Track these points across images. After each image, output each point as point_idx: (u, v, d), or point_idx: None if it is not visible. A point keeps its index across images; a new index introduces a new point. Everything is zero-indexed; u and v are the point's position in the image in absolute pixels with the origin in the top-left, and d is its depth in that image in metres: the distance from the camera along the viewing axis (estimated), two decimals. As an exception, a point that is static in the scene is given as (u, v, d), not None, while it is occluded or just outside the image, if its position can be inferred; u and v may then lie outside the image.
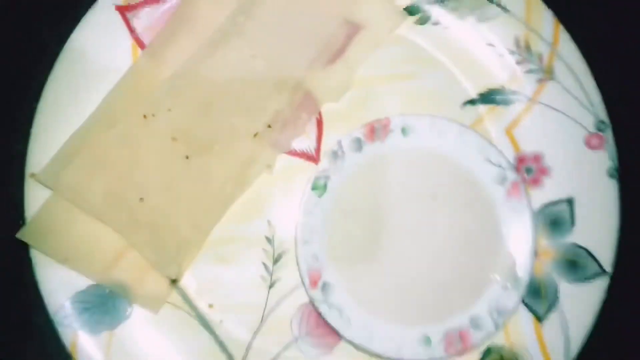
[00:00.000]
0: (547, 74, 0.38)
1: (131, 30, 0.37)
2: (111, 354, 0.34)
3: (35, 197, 0.35)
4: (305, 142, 0.38)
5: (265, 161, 0.37)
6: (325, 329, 0.36)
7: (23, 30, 0.39)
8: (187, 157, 0.36)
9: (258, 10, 0.38)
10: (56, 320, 0.34)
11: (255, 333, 0.36)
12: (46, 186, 0.35)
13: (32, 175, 0.35)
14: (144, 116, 0.36)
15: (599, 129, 0.37)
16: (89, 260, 0.35)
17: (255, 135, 0.37)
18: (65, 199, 0.35)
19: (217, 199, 0.37)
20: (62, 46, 0.36)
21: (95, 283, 0.35)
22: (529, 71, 0.38)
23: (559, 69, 0.37)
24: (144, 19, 0.37)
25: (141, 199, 0.35)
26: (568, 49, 0.37)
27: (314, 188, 0.36)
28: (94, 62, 0.36)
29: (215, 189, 0.37)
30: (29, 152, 0.36)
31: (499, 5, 0.38)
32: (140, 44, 0.37)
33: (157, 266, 0.35)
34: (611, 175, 0.36)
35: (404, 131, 0.36)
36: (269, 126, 0.37)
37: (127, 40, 0.37)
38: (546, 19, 0.37)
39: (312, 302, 0.35)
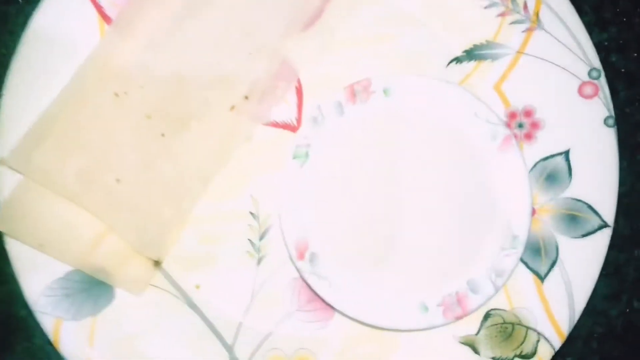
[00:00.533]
0: (533, 23, 0.36)
1: (96, 5, 0.35)
2: (95, 340, 0.33)
3: (5, 183, 0.33)
4: (286, 112, 0.36)
5: (243, 133, 0.36)
6: (317, 303, 0.35)
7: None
8: (163, 135, 0.35)
9: None
10: (36, 309, 0.33)
11: (246, 312, 0.35)
12: (16, 170, 0.33)
13: (0, 160, 0.33)
14: (116, 94, 0.35)
15: (593, 77, 0.35)
16: (67, 245, 0.33)
17: (232, 108, 0.36)
18: (38, 183, 0.33)
19: (197, 176, 0.35)
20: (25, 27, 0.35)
21: (74, 269, 0.34)
22: (515, 22, 0.36)
23: (546, 17, 0.36)
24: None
25: (118, 180, 0.34)
26: (554, -5, 0.36)
27: (295, 157, 0.34)
28: (59, 40, 0.35)
29: (194, 166, 0.35)
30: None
31: (477, -45, 0.36)
32: (106, 19, 0.36)
33: (139, 248, 0.34)
34: (608, 125, 0.35)
35: (386, 92, 0.35)
36: (246, 97, 0.36)
37: (94, 16, 0.35)
38: (528, -35, 0.36)
39: (300, 275, 0.33)
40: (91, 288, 0.34)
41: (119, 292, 0.34)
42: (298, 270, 0.33)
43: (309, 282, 0.33)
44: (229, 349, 0.34)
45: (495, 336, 0.34)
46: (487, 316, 0.34)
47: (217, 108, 0.35)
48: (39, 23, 0.34)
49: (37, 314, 0.33)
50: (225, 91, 0.36)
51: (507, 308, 0.34)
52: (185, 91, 0.35)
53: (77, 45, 0.35)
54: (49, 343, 0.33)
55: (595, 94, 0.35)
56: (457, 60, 0.37)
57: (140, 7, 0.36)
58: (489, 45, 0.36)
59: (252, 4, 0.36)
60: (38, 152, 0.33)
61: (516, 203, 0.34)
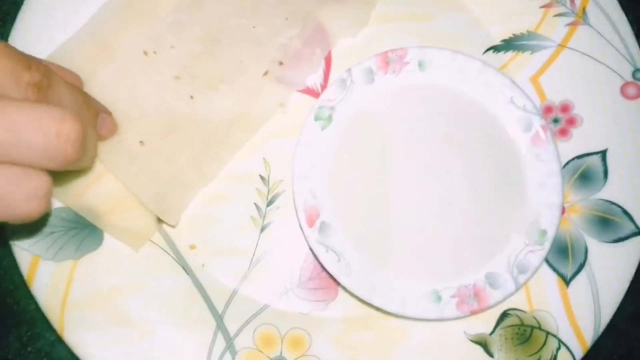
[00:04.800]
0: (579, 17, 0.34)
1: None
2: (73, 286, 0.30)
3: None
4: (311, 77, 0.34)
5: (276, 99, 0.34)
6: (319, 281, 0.32)
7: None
8: (191, 97, 0.33)
9: None
10: (14, 243, 0.30)
11: (242, 280, 0.32)
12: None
13: None
14: (145, 52, 0.33)
15: (637, 78, 0.33)
16: (63, 180, 0.31)
17: (265, 73, 0.34)
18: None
19: (224, 143, 0.33)
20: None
21: (63, 205, 0.31)
22: (559, 14, 0.35)
23: (593, 13, 0.34)
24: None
25: (141, 142, 0.32)
26: (603, -9, 0.34)
27: (316, 118, 0.32)
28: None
29: (221, 132, 0.33)
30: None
31: (528, -56, 0.35)
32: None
33: (157, 213, 0.31)
34: (650, 128, 0.33)
35: (421, 65, 0.33)
36: (280, 63, 0.34)
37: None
38: (580, -41, 0.35)
39: (308, 243, 0.31)
40: (78, 229, 0.31)
41: (107, 239, 0.31)
42: (306, 237, 0.31)
43: (316, 251, 0.30)
44: (218, 318, 0.31)
45: (512, 338, 0.31)
46: (504, 315, 0.31)
47: (249, 72, 0.33)
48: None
49: (14, 249, 0.30)
50: (259, 55, 0.34)
51: (527, 309, 0.31)
52: (217, 53, 0.33)
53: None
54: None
55: (639, 95, 0.33)
56: (495, 49, 0.35)
57: None
58: (529, 36, 0.35)
59: None
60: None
61: (546, 196, 0.31)
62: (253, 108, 0.33)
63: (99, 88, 0.32)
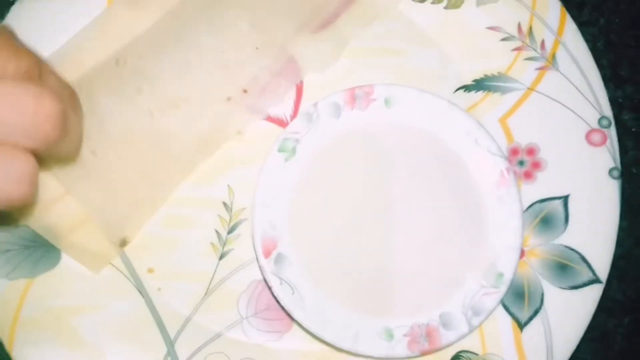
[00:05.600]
0: (548, 62, 0.35)
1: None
2: (25, 305, 0.30)
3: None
4: (280, 107, 0.35)
5: (235, 126, 0.34)
6: (275, 312, 0.32)
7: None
8: (150, 113, 0.33)
9: None
10: (-31, 260, 0.30)
11: (197, 307, 0.32)
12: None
13: None
14: (116, 62, 0.33)
15: (602, 126, 0.34)
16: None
17: (228, 99, 0.34)
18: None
19: (179, 162, 0.33)
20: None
21: (21, 224, 0.31)
22: (530, 58, 0.35)
23: (562, 59, 0.35)
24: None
25: (93, 151, 0.32)
26: (573, 38, 0.35)
27: (280, 150, 0.32)
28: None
29: (177, 151, 0.33)
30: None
31: (503, -12, 0.36)
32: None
33: (102, 226, 0.31)
34: (612, 176, 0.33)
35: (387, 102, 0.33)
36: (245, 91, 0.34)
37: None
38: (552, 5, 0.35)
39: (262, 274, 0.31)
40: (35, 248, 0.31)
41: (64, 259, 0.31)
42: (261, 268, 0.31)
43: (270, 283, 0.30)
44: (170, 343, 0.31)
45: (462, 381, 0.30)
46: (455, 358, 0.31)
47: (212, 95, 0.34)
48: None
49: (-31, 265, 0.30)
50: (225, 81, 0.34)
51: (480, 352, 0.31)
52: (184, 73, 0.34)
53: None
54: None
55: (604, 142, 0.33)
56: (466, 88, 0.35)
57: None
58: (500, 77, 0.35)
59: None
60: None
61: (505, 239, 0.31)
62: (211, 131, 0.34)
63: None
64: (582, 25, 0.37)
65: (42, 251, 0.31)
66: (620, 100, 0.37)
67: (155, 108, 0.33)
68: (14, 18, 0.33)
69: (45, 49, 0.32)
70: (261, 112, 0.35)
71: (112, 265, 0.32)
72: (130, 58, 0.34)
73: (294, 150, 0.32)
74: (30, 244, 0.31)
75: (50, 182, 0.31)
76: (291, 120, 0.34)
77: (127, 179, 0.32)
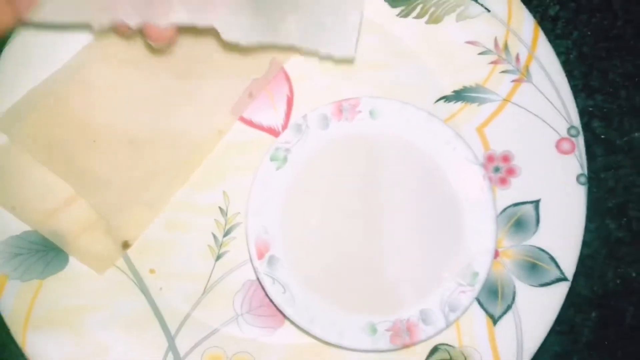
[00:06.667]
0: (522, 75, 0.37)
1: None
2: (37, 304, 0.32)
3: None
4: (273, 117, 0.37)
5: (217, 126, 0.36)
6: (268, 309, 0.34)
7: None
8: (154, 115, 0.35)
9: None
10: (-15, 262, 0.33)
11: (195, 305, 0.34)
12: (3, 132, 0.34)
13: None
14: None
15: (571, 135, 0.36)
16: (33, 205, 0.33)
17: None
18: (22, 148, 0.34)
19: (175, 167, 0.35)
20: None
21: (31, 229, 0.33)
22: (505, 71, 0.37)
23: (535, 72, 0.37)
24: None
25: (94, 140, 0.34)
26: (545, 52, 0.37)
27: (272, 159, 0.34)
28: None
29: (174, 156, 0.35)
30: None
31: (481, 4, 0.38)
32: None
33: (111, 226, 0.34)
34: (580, 182, 0.35)
35: (372, 114, 0.36)
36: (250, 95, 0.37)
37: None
38: (527, 22, 0.37)
39: (256, 274, 0.33)
40: (45, 251, 0.33)
41: (72, 262, 0.34)
42: (255, 269, 0.33)
43: (264, 283, 0.33)
44: (171, 338, 0.33)
45: (440, 371, 0.33)
46: (434, 350, 0.34)
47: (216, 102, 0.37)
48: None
49: (-16, 267, 0.32)
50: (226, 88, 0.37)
51: (456, 345, 0.34)
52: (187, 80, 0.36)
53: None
54: None
55: (572, 150, 0.36)
56: (446, 98, 0.38)
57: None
58: (477, 89, 0.37)
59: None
60: (29, 118, 0.34)
61: (481, 242, 0.34)
62: (198, 133, 0.36)
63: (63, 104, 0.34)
64: (556, 37, 0.40)
65: (52, 254, 0.33)
66: (591, 109, 0.40)
67: (159, 109, 0.35)
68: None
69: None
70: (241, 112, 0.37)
71: (116, 266, 0.34)
72: (143, 63, 0.36)
73: (285, 159, 0.35)
74: (40, 248, 0.33)
75: (56, 191, 0.34)
76: (282, 130, 0.37)
77: (128, 186, 0.35)
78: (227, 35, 0.33)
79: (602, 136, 0.39)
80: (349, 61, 0.38)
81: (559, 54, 0.38)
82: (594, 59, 0.40)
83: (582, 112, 0.38)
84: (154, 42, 0.32)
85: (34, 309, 0.32)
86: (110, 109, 0.35)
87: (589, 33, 0.41)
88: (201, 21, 0.32)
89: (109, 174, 0.34)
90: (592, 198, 0.36)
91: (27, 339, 0.32)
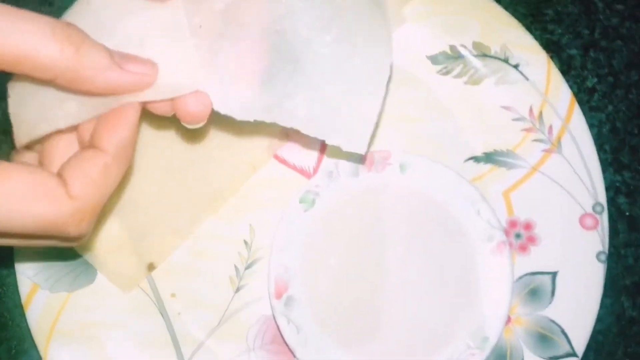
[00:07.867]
0: (554, 146, 0.38)
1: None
2: (62, 316, 0.34)
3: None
4: (306, 159, 0.38)
5: (251, 160, 0.37)
6: (280, 347, 0.35)
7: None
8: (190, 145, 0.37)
9: None
10: (19, 270, 0.34)
11: (210, 333, 0.35)
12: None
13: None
14: None
15: (596, 211, 0.37)
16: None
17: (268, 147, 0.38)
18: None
19: (207, 199, 0.37)
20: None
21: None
22: (537, 140, 0.38)
23: (567, 144, 0.38)
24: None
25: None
26: (579, 126, 0.38)
27: (301, 201, 0.36)
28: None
29: (206, 187, 0.37)
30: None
31: (521, 72, 0.39)
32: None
33: (137, 255, 0.35)
34: (599, 259, 0.36)
35: (402, 167, 0.37)
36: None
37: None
38: (564, 94, 0.38)
39: (272, 313, 0.34)
40: (75, 265, 0.35)
41: (99, 278, 0.35)
42: (272, 308, 0.34)
43: (279, 322, 0.34)
44: (183, 364, 0.35)
45: None
46: (438, 408, 0.34)
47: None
48: None
49: (18, 276, 0.34)
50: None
51: (459, 407, 0.34)
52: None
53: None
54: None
55: (595, 227, 0.36)
56: (476, 159, 0.38)
57: None
58: (508, 153, 0.38)
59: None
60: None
61: (495, 306, 0.34)
62: (231, 167, 0.37)
63: None
64: (591, 110, 0.41)
65: (81, 269, 0.35)
66: (618, 184, 0.40)
67: (193, 140, 0.37)
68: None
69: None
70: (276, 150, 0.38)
71: (140, 287, 0.36)
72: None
73: (313, 202, 0.36)
74: (71, 262, 0.35)
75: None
76: (313, 172, 0.38)
77: (159, 211, 0.36)
78: (221, 106, 0.27)
79: (627, 213, 0.40)
80: (384, 112, 0.39)
81: (591, 126, 0.38)
82: (625, 135, 0.41)
83: (609, 187, 0.39)
84: (189, 124, 0.28)
85: (59, 320, 0.34)
86: (150, 137, 0.37)
87: (623, 108, 0.41)
88: None
89: (142, 198, 0.36)
90: (610, 273, 0.37)
91: (50, 349, 0.33)
